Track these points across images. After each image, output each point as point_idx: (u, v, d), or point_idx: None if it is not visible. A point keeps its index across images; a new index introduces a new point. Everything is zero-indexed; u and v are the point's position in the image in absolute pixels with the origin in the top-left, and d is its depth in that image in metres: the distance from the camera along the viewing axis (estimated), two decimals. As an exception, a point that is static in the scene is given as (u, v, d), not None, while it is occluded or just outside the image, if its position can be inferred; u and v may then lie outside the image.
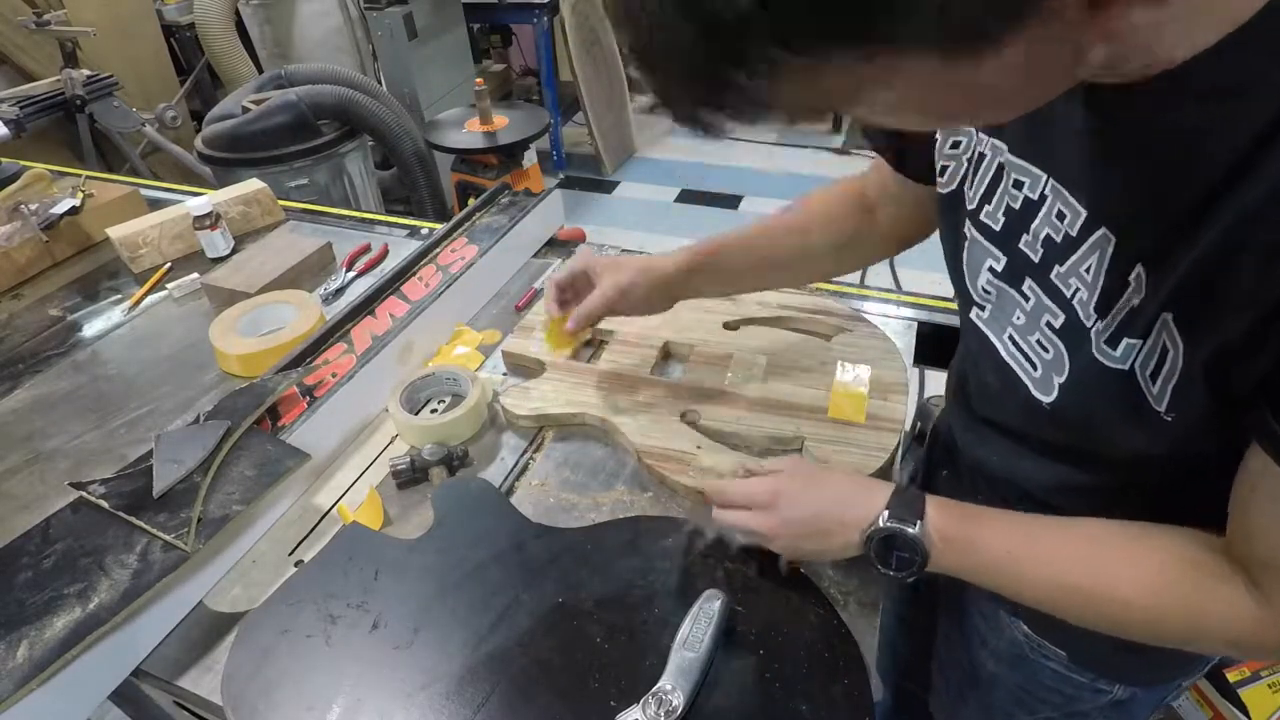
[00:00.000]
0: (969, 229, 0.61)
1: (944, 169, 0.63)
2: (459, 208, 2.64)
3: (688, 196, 3.76)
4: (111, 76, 2.73)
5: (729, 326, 1.05)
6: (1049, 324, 0.53)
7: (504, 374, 1.03)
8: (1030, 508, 0.61)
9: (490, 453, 0.91)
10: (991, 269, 0.58)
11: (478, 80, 2.70)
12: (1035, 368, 0.56)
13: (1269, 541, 0.47)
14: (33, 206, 1.34)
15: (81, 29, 2.76)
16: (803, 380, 0.94)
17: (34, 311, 1.25)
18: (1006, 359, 0.58)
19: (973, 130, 0.59)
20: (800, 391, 0.92)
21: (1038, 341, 0.55)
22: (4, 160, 1.65)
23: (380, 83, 3.11)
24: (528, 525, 0.78)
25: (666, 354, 1.03)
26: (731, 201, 3.67)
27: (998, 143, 0.56)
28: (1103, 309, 0.48)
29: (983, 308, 0.61)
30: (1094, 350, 0.49)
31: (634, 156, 4.15)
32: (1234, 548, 0.50)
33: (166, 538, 0.72)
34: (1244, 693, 1.25)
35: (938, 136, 0.63)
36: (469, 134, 2.60)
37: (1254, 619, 0.49)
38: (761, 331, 1.04)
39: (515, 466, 0.89)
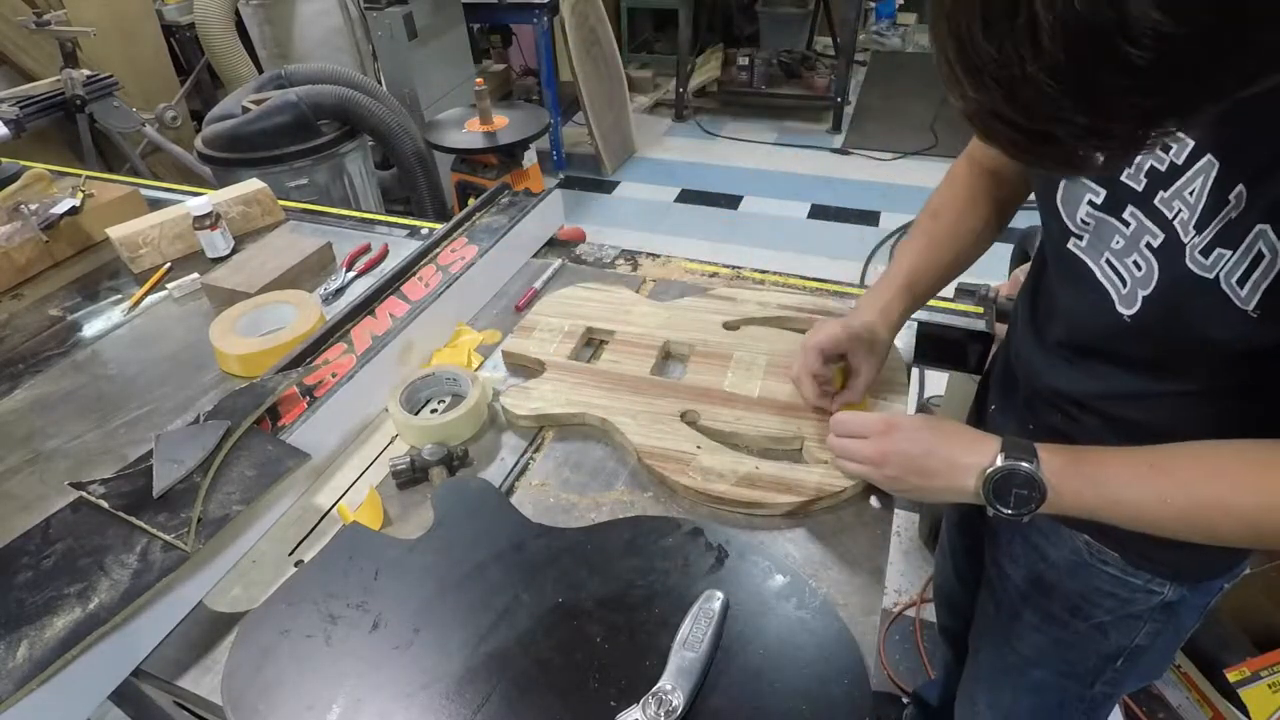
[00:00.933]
0: None
1: None
2: (459, 208, 2.64)
3: (688, 196, 3.76)
4: (111, 76, 2.73)
5: (729, 326, 1.05)
6: (1148, 244, 0.61)
7: (505, 374, 1.03)
8: (1095, 423, 0.70)
9: (490, 453, 0.91)
10: (1090, 202, 0.65)
11: (478, 80, 2.70)
12: (1124, 285, 0.63)
13: None
14: (33, 206, 1.34)
15: (81, 29, 2.76)
16: (803, 380, 0.93)
17: (34, 311, 1.25)
18: (1100, 279, 0.66)
19: None
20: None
21: (1133, 261, 0.62)
22: (4, 160, 1.65)
23: (380, 83, 3.11)
24: (528, 525, 0.78)
25: (666, 354, 1.03)
26: (731, 201, 3.67)
27: None
28: (1201, 225, 0.55)
29: (1080, 237, 0.68)
30: (1187, 261, 0.57)
31: (634, 156, 4.16)
32: None
33: (166, 538, 0.72)
34: (1244, 693, 1.25)
35: None
36: (469, 134, 2.60)
37: None
38: (761, 331, 1.04)
39: (515, 466, 0.89)
